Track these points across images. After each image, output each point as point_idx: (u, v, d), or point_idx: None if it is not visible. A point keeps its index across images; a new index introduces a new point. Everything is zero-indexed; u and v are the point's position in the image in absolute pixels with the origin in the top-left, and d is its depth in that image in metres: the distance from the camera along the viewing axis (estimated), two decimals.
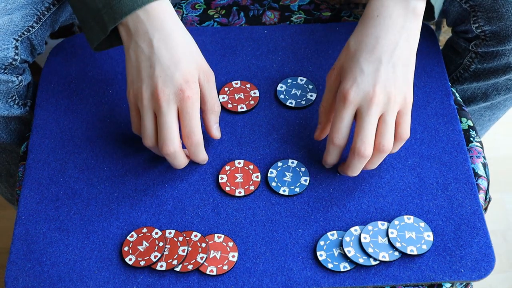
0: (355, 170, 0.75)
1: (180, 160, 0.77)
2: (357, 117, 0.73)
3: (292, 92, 0.86)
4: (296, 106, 0.85)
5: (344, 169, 0.77)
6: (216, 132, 0.80)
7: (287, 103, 0.85)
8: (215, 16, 0.96)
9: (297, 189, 0.78)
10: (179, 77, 0.73)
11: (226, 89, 0.87)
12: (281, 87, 0.87)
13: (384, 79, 0.72)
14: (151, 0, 0.73)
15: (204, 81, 0.76)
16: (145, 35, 0.73)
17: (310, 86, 0.87)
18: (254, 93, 0.87)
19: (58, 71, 0.90)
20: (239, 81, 0.88)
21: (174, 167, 0.78)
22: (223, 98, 0.86)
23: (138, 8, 0.72)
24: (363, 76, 0.72)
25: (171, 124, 0.73)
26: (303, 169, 0.80)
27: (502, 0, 0.79)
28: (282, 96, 0.86)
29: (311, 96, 0.86)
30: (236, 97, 0.86)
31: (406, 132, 0.75)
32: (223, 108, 0.86)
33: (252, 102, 0.86)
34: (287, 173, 0.80)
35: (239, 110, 0.85)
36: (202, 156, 0.78)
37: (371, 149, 0.73)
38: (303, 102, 0.86)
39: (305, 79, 0.87)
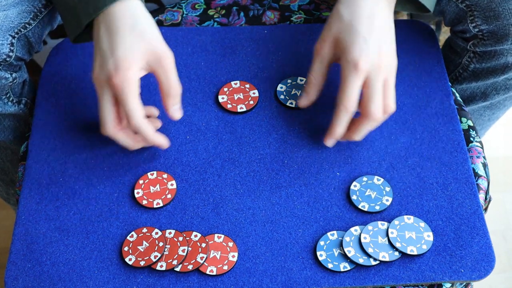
0: (363, 133, 0.78)
1: (124, 141, 0.78)
2: (365, 85, 0.76)
3: (292, 92, 0.86)
4: (296, 106, 0.85)
5: (350, 133, 0.79)
6: (173, 114, 0.78)
7: (287, 104, 0.85)
8: (215, 16, 0.96)
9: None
10: (111, 64, 0.73)
11: (226, 89, 0.87)
12: (281, 87, 0.87)
13: (385, 47, 0.76)
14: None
15: (156, 66, 0.75)
16: (100, 26, 0.74)
17: None
18: (254, 93, 0.87)
19: (58, 71, 0.90)
20: (238, 81, 0.88)
21: (127, 148, 0.79)
22: (223, 98, 0.86)
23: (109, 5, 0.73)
24: (368, 45, 0.75)
25: (105, 108, 0.75)
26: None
27: None
28: (282, 97, 0.86)
29: None
30: (236, 97, 0.86)
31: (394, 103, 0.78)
32: (223, 109, 0.86)
33: (251, 102, 0.86)
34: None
35: (239, 110, 0.85)
36: (152, 139, 0.78)
37: (382, 111, 0.77)
38: None
39: (305, 79, 0.87)
